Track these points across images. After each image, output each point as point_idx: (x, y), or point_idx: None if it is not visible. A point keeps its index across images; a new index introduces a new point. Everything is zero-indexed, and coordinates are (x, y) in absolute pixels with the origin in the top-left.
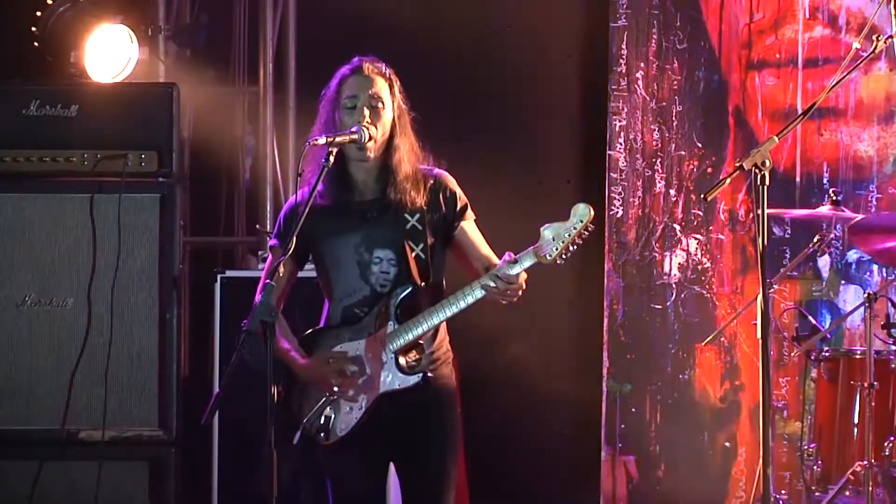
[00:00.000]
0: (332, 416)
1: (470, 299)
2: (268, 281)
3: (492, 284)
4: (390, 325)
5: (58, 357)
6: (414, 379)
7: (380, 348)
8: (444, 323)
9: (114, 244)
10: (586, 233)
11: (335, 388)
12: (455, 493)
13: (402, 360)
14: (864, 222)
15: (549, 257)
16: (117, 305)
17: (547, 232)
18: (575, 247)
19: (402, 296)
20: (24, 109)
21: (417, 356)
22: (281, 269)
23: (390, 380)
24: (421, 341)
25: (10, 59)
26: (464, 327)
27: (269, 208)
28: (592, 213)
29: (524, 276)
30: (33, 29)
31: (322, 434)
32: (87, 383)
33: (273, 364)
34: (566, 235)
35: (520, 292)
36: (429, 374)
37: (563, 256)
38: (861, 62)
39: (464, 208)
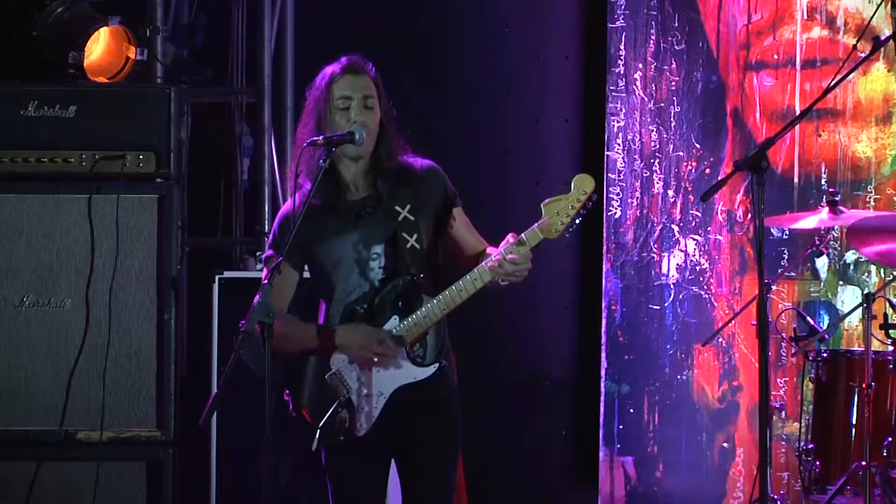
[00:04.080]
0: (348, 417)
1: (479, 284)
2: (265, 282)
3: (499, 268)
4: (394, 318)
5: (56, 358)
6: (431, 370)
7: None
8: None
9: (112, 245)
10: (590, 203)
11: (375, 359)
12: (454, 493)
13: (409, 353)
14: (863, 224)
15: (555, 232)
16: (115, 306)
17: (550, 207)
18: (580, 219)
19: (401, 288)
20: (22, 110)
21: (421, 348)
22: (286, 276)
23: (406, 373)
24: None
25: (8, 59)
26: (462, 327)
27: (267, 209)
28: (594, 182)
29: (530, 255)
30: (32, 32)
31: (342, 437)
32: (85, 384)
33: (271, 364)
34: (570, 208)
35: (526, 272)
36: (444, 363)
37: (570, 230)
38: (860, 63)
39: (454, 196)
